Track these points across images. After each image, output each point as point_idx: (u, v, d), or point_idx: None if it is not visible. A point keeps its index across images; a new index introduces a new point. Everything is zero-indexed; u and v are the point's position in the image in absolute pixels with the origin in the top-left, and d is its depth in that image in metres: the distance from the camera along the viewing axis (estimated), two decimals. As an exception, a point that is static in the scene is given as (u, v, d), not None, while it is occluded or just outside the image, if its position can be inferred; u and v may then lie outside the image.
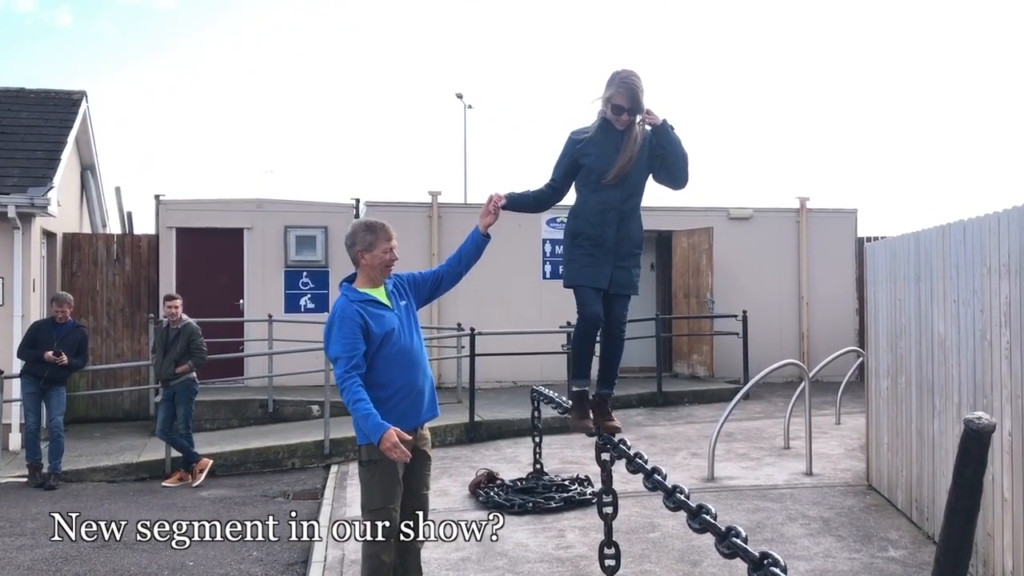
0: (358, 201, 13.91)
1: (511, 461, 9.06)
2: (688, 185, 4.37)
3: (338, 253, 13.20)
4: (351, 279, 4.29)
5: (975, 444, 1.35)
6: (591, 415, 4.61)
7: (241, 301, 13.54)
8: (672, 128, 4.29)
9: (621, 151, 4.28)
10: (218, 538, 6.77)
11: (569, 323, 12.26)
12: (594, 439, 4.63)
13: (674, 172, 4.34)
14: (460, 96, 26.24)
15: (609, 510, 4.74)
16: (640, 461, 4.10)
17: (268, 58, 62.18)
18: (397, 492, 4.12)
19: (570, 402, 4.88)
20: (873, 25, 57.81)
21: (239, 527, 6.87)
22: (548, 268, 14.45)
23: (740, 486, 7.53)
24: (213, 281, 13.37)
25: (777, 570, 2.25)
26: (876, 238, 10.85)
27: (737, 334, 13.32)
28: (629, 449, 4.25)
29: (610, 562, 4.67)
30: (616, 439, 4.41)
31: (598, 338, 4.56)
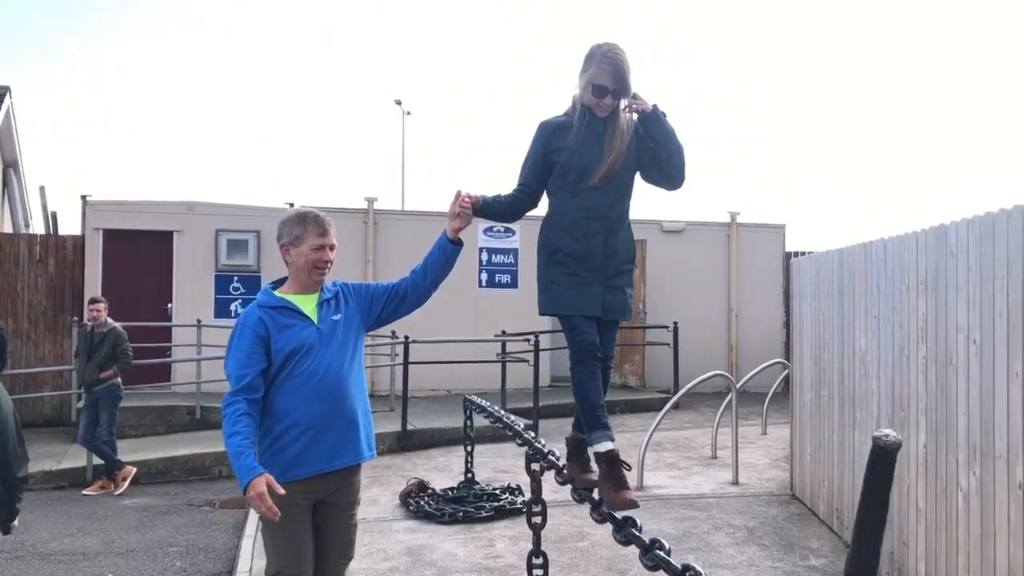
0: (292, 205, 13.75)
1: (443, 470, 9.04)
2: (685, 184, 3.51)
3: (271, 257, 13.02)
4: (279, 282, 3.60)
5: (882, 460, 1.41)
6: (623, 482, 3.40)
7: (170, 305, 13.25)
8: (664, 115, 3.43)
9: (606, 145, 3.40)
10: (139, 548, 6.63)
11: (504, 332, 12.32)
12: (524, 449, 4.57)
13: (669, 170, 3.44)
14: (399, 103, 26.13)
15: (538, 520, 4.76)
16: (580, 486, 3.69)
17: (203, 59, 61.13)
18: (301, 549, 3.36)
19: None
20: (806, 41, 59.37)
21: (162, 536, 6.73)
22: (484, 277, 14.46)
23: (668, 495, 7.64)
24: (141, 284, 13.05)
25: None
26: (804, 253, 11.14)
27: (668, 345, 13.52)
28: (558, 460, 4.27)
29: (538, 572, 4.68)
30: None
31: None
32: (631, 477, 8.16)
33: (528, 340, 11.28)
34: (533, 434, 4.86)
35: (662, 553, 2.66)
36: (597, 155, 3.40)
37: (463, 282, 14.25)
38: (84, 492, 8.74)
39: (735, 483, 8.04)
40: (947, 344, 4.51)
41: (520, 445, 4.93)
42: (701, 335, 14.86)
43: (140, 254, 13.22)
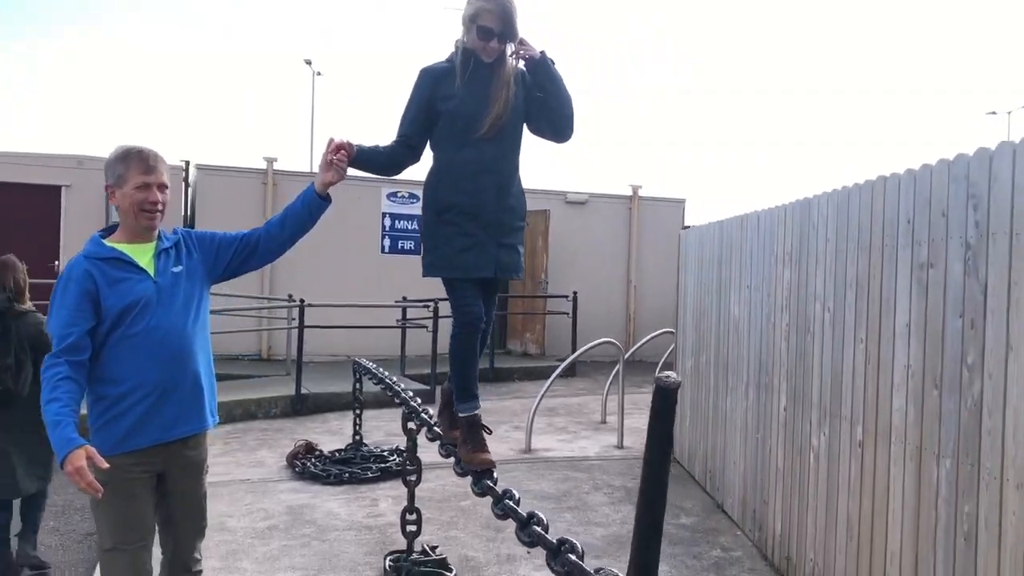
0: (188, 163, 13.42)
1: (336, 433, 9.03)
2: (573, 136, 3.31)
3: (165, 217, 12.67)
4: (110, 230, 3.20)
5: (664, 399, 1.51)
6: (482, 444, 3.39)
7: (56, 262, 12.79)
8: (553, 63, 3.21)
9: (493, 92, 3.19)
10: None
11: (405, 298, 12.31)
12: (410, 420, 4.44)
13: (558, 121, 3.24)
14: (309, 62, 25.59)
15: (413, 478, 4.85)
16: (447, 441, 3.70)
17: (104, 9, 58.54)
18: (136, 525, 3.07)
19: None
20: (709, 16, 60.36)
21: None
22: (387, 242, 14.39)
23: (554, 457, 7.82)
24: (26, 240, 12.54)
25: (573, 556, 2.39)
26: (697, 226, 11.46)
27: (567, 314, 13.74)
28: (431, 419, 4.33)
29: (411, 527, 4.77)
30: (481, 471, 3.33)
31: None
32: (520, 439, 8.29)
33: (428, 307, 11.31)
34: (414, 395, 4.93)
35: (539, 528, 2.73)
36: (484, 103, 3.19)
37: (366, 247, 14.18)
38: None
39: (620, 447, 8.27)
40: (807, 312, 4.74)
41: (398, 405, 5.00)
42: (601, 305, 15.14)
43: (25, 208, 12.71)
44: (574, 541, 2.52)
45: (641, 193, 15.83)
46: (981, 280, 3.08)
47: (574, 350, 13.22)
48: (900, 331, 3.65)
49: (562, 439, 8.67)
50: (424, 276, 3.35)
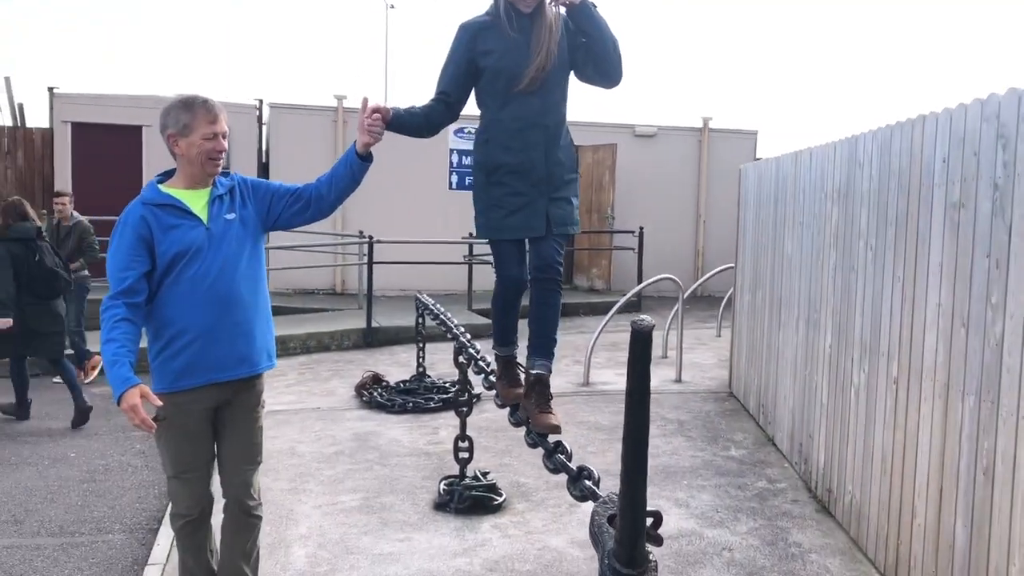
0: (261, 102, 13.76)
1: (403, 365, 9.37)
2: (623, 80, 3.23)
3: (240, 155, 13.11)
4: (166, 175, 3.32)
5: (639, 342, 1.65)
6: (516, 380, 3.49)
7: (141, 201, 13.37)
8: (595, 6, 3.12)
9: (533, 43, 3.11)
10: (103, 432, 6.98)
11: (471, 234, 12.53)
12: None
13: (605, 66, 3.15)
14: (380, -3, 25.60)
15: (465, 410, 5.10)
16: (493, 379, 3.75)
17: (183, -55, 59.09)
18: (192, 457, 3.29)
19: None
20: (802, -55, 57.72)
21: (125, 422, 7.06)
22: (455, 179, 14.59)
23: (611, 391, 8.01)
24: (110, 179, 13.13)
25: (590, 483, 2.59)
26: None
27: (633, 249, 13.78)
28: (478, 354, 4.53)
29: (463, 454, 5.04)
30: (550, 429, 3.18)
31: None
32: (579, 373, 8.47)
33: (492, 241, 11.48)
34: (465, 330, 5.15)
35: (563, 457, 2.90)
36: (525, 55, 3.11)
37: (434, 184, 14.40)
38: (55, 380, 9.05)
39: (678, 380, 8.41)
40: (852, 250, 4.76)
41: (449, 340, 5.23)
42: (668, 240, 15.12)
43: (110, 148, 13.26)
44: (592, 469, 2.71)
45: (712, 125, 15.61)
46: (1007, 220, 3.10)
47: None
48: (933, 270, 3.68)
49: (621, 373, 8.80)
50: (477, 237, 3.33)
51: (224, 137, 3.22)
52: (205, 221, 3.19)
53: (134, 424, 2.90)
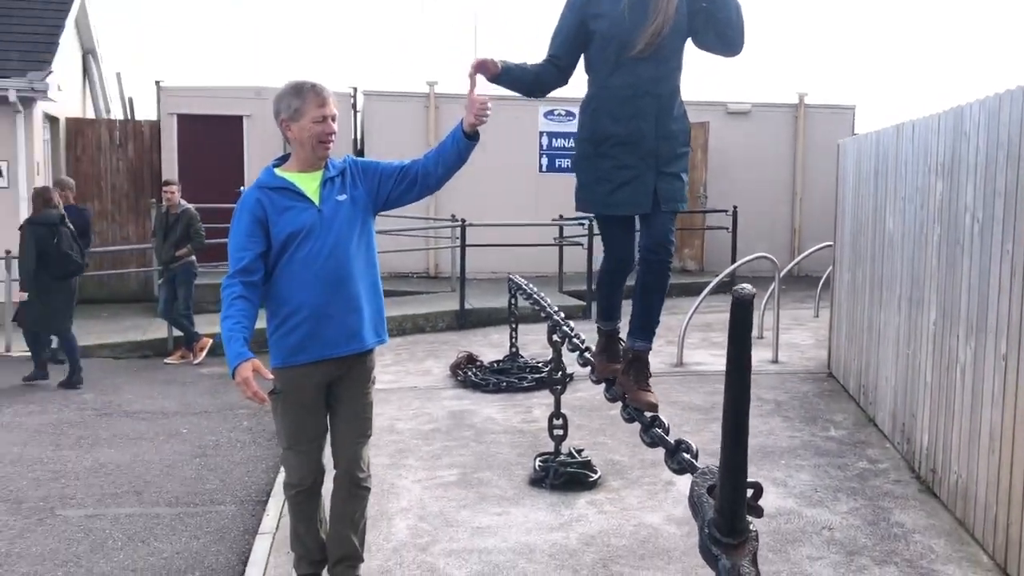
0: (355, 90, 14.04)
1: (496, 346, 9.49)
2: (744, 49, 3.02)
3: (335, 141, 13.40)
4: (282, 159, 3.47)
5: (740, 309, 1.65)
6: (616, 355, 3.44)
7: (242, 188, 13.82)
8: None
9: (651, 6, 2.94)
10: (212, 410, 7.30)
11: (562, 216, 12.56)
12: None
13: (728, 32, 2.96)
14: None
15: (559, 387, 5.16)
16: (589, 356, 3.81)
17: (276, -61, 60.47)
18: (306, 429, 3.44)
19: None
20: (903, -89, 55.44)
21: (233, 400, 7.38)
22: (545, 161, 14.62)
23: (705, 371, 7.95)
24: (214, 167, 13.63)
25: (688, 455, 2.62)
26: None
27: (727, 229, 13.57)
28: (573, 331, 4.58)
29: (558, 432, 5.11)
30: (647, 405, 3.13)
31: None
32: (673, 353, 8.43)
33: (583, 224, 11.51)
34: (558, 310, 5.20)
35: (660, 431, 2.94)
36: (641, 19, 2.94)
37: (525, 166, 14.46)
38: (166, 361, 9.50)
39: (775, 361, 8.28)
40: (957, 224, 4.61)
41: (544, 319, 5.29)
42: (764, 219, 14.84)
43: (213, 138, 13.75)
44: (690, 442, 2.73)
45: (808, 101, 15.22)
46: None
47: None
48: (1046, 243, 3.55)
49: (715, 353, 8.76)
50: (576, 211, 3.25)
51: (333, 120, 3.33)
52: (317, 203, 3.30)
53: (246, 397, 3.06)
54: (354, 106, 14.10)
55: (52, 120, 12.68)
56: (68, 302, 8.27)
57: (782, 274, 9.10)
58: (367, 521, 3.70)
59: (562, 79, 3.19)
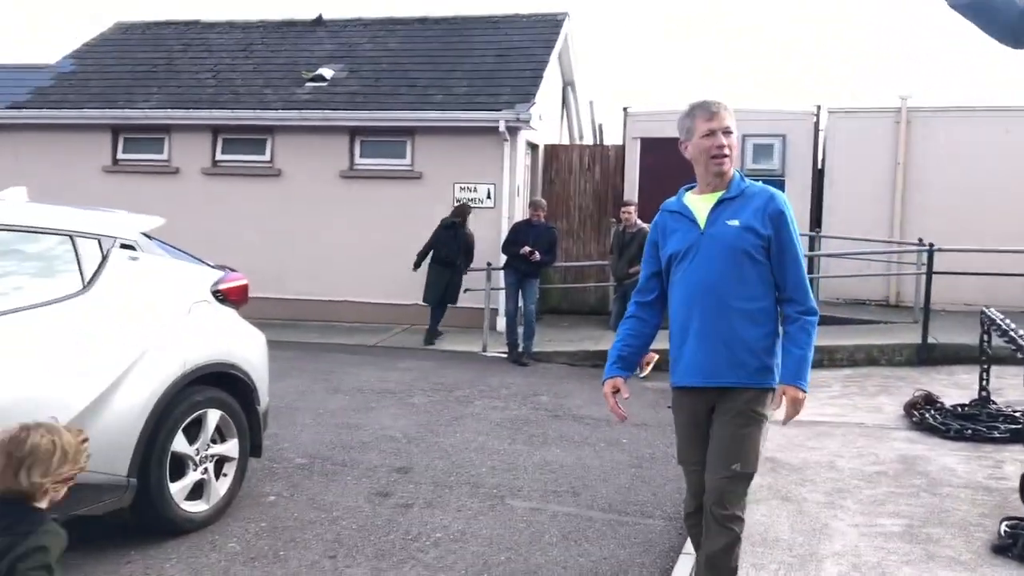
0: (819, 108, 13.50)
1: (963, 387, 8.43)
2: None
3: (795, 163, 13.03)
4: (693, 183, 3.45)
5: None
6: None
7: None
8: None
9: None
10: (651, 423, 7.50)
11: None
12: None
13: None
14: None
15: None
16: None
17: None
18: (689, 450, 3.40)
19: None
20: None
21: (672, 415, 7.50)
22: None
23: None
24: (672, 189, 13.82)
25: None
26: None
27: None
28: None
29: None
30: None
31: None
32: None
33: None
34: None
35: None
36: None
37: (1015, 184, 12.70)
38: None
39: None
40: None
41: (1020, 361, 4.55)
42: None
43: (671, 160, 14.06)
44: None
45: None
46: None
47: None
48: None
49: None
50: None
51: (726, 134, 3.18)
52: (702, 226, 3.25)
53: (609, 410, 3.40)
54: (816, 125, 13.58)
55: (533, 147, 14.06)
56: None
57: None
58: (736, 569, 3.31)
59: None
